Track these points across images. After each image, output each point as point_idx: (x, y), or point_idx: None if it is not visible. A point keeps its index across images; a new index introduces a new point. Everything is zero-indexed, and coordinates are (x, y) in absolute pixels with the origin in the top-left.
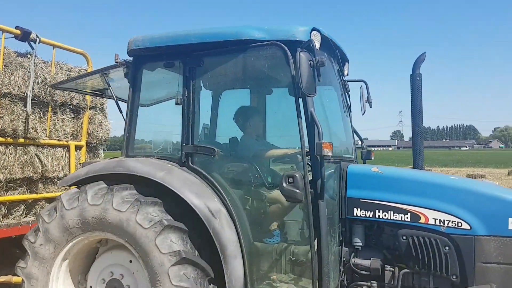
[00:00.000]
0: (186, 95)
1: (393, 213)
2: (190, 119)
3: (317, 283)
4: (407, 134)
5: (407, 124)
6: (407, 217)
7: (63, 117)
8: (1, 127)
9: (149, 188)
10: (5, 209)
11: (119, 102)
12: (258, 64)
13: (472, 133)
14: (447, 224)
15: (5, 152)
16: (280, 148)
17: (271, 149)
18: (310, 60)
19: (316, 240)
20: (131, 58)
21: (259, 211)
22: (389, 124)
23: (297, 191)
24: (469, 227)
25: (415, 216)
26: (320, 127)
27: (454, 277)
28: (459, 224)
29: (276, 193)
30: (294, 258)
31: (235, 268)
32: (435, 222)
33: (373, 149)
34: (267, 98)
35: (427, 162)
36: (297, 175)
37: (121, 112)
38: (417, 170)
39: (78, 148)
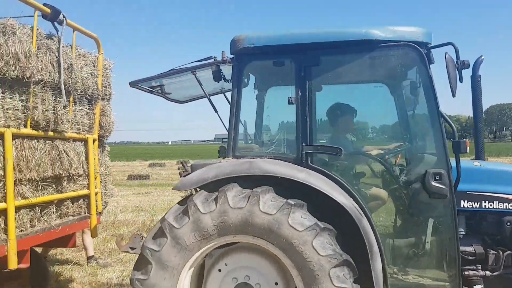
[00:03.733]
0: (300, 94)
1: (498, 202)
2: (307, 118)
3: (460, 277)
4: None
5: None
6: (511, 205)
7: (80, 108)
8: (36, 118)
9: (284, 189)
10: (39, 211)
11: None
12: (386, 63)
13: None
14: None
15: (37, 147)
16: (382, 146)
17: (374, 146)
18: (455, 62)
19: (430, 233)
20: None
21: (384, 207)
22: None
23: (444, 187)
24: None
25: None
26: (453, 125)
27: None
28: None
29: (375, 190)
30: (428, 252)
31: (378, 264)
32: None
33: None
34: (393, 97)
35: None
36: (443, 172)
37: (216, 111)
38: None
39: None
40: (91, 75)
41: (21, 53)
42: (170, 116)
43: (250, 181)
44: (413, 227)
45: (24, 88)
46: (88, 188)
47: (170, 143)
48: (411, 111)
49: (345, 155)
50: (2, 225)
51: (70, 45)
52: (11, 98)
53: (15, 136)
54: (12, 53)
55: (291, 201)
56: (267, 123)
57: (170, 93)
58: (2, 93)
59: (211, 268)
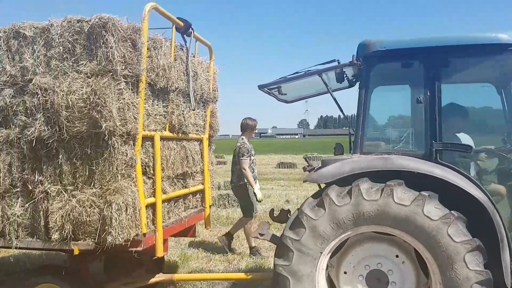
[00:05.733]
0: (429, 94)
1: None
2: (436, 117)
3: None
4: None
5: (312, 113)
6: None
7: (198, 111)
8: (173, 122)
9: (412, 185)
10: (173, 205)
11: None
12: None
13: None
14: None
15: (173, 148)
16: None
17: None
18: None
19: None
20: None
21: (502, 202)
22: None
23: None
24: None
25: None
26: None
27: None
28: None
29: (494, 186)
30: None
31: (507, 255)
32: None
33: None
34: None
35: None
36: None
37: (342, 111)
38: None
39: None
40: (206, 80)
41: (166, 65)
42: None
43: (379, 176)
44: None
45: (165, 96)
46: (203, 184)
47: (230, 137)
48: None
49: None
50: (151, 217)
51: (193, 54)
52: (157, 105)
53: (160, 139)
54: (161, 65)
55: (425, 193)
56: (392, 121)
57: (286, 94)
58: (152, 101)
59: (338, 275)
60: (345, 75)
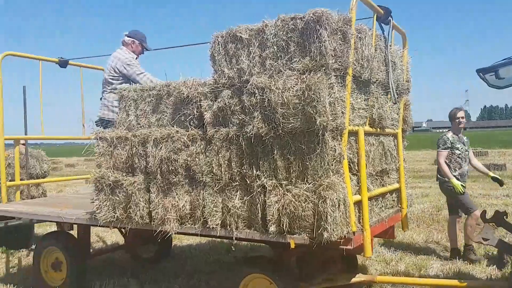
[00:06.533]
0: None
1: None
2: None
3: None
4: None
5: (473, 103)
6: None
7: (390, 103)
8: (374, 116)
9: None
10: (374, 204)
11: None
12: None
13: None
14: None
15: (373, 144)
16: None
17: None
18: None
19: None
20: None
21: None
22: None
23: None
24: None
25: None
26: None
27: None
28: None
29: None
30: None
31: None
32: None
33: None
34: None
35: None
36: None
37: None
38: None
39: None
40: (401, 70)
41: (370, 56)
42: None
43: None
44: None
45: (366, 88)
46: (398, 182)
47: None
48: None
49: None
50: (358, 216)
51: (390, 43)
52: (360, 99)
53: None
54: (365, 56)
55: None
56: None
57: (503, 78)
58: (356, 95)
59: None
60: None
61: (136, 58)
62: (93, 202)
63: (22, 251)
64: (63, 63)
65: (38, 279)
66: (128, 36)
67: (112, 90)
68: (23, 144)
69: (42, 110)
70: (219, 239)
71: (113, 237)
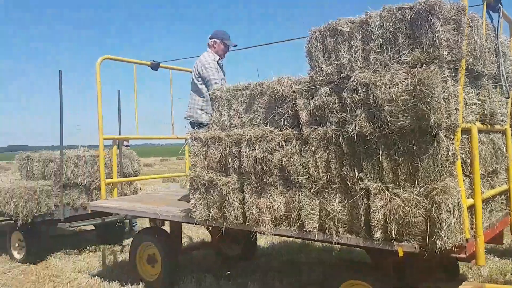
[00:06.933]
0: None
1: None
2: None
3: None
4: None
5: None
6: None
7: (500, 97)
8: (485, 111)
9: None
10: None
11: None
12: None
13: None
14: None
15: (483, 142)
16: None
17: None
18: None
19: None
20: None
21: None
22: None
23: None
24: None
25: None
26: None
27: None
28: None
29: None
30: None
31: None
32: None
33: None
34: None
35: None
36: None
37: None
38: None
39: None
40: (510, 61)
41: (482, 46)
42: None
43: None
44: None
45: (477, 82)
46: (507, 183)
47: None
48: None
49: None
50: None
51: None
52: (471, 93)
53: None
54: (478, 47)
55: None
56: None
57: None
58: (468, 89)
59: None
60: None
61: (220, 59)
62: (180, 199)
63: (116, 246)
64: (154, 66)
65: (133, 272)
66: (210, 38)
67: (196, 91)
68: (127, 146)
69: (137, 112)
70: (291, 239)
71: (199, 234)
